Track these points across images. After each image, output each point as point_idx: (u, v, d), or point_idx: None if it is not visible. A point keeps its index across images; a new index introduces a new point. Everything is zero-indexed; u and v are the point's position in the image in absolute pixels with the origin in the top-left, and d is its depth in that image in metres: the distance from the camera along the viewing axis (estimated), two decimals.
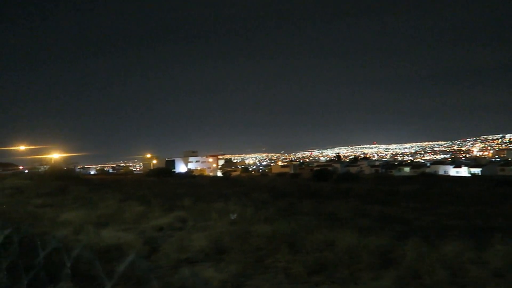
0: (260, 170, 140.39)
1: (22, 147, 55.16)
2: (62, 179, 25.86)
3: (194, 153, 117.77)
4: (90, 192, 16.69)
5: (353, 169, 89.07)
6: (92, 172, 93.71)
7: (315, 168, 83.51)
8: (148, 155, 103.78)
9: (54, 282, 4.17)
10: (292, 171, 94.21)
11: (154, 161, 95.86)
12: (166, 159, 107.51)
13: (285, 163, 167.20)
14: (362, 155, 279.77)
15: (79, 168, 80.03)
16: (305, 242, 6.48)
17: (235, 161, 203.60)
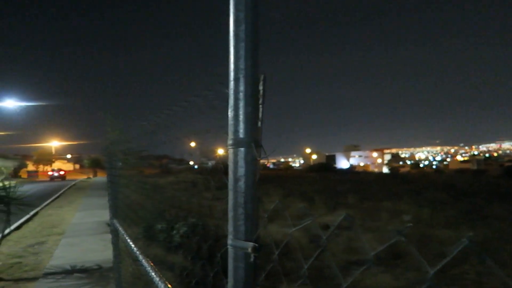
0: (434, 166, 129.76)
1: (192, 144, 63.83)
2: (227, 174, 28.74)
3: (356, 148, 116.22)
4: None
5: None
6: None
7: (507, 164, 72.89)
8: (308, 150, 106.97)
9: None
10: (475, 167, 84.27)
11: (314, 156, 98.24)
12: (326, 154, 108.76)
13: (466, 158, 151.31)
14: None
15: None
16: (501, 253, 5.70)
17: (403, 155, 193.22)
